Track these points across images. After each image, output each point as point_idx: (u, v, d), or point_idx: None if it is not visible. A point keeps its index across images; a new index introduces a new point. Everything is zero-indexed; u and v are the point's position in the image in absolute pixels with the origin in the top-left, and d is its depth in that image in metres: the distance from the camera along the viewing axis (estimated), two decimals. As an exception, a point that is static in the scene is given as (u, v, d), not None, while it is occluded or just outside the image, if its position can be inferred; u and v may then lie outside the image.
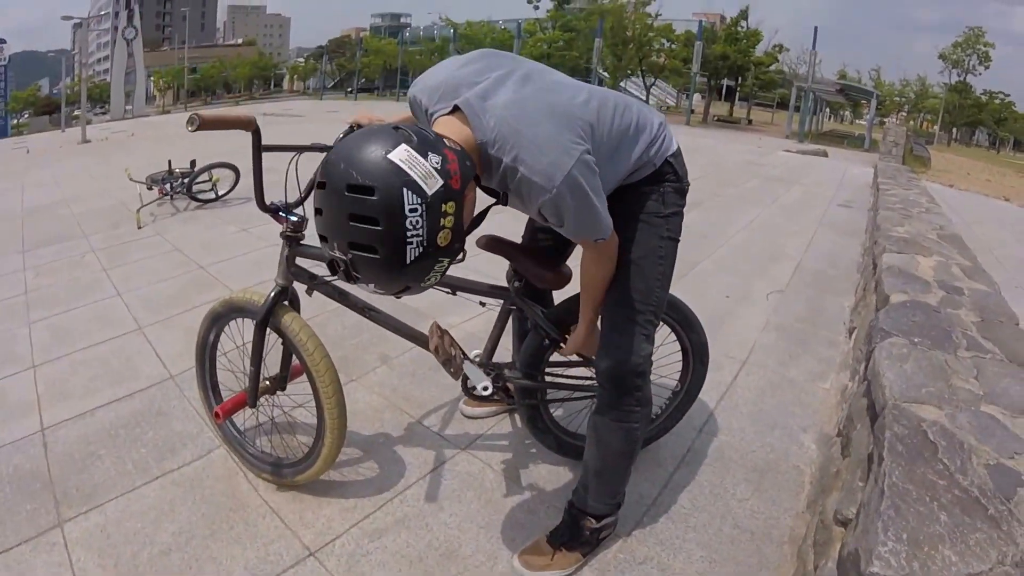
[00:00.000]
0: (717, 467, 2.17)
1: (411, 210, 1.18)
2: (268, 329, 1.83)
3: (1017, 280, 5.27)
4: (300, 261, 1.86)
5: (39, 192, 7.50)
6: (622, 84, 37.93)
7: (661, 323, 1.82)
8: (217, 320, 2.01)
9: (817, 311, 3.69)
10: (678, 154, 1.71)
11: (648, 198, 1.66)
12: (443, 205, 1.22)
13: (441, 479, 2.07)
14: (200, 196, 6.04)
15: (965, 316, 2.21)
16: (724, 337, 3.18)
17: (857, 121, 65.95)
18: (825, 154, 16.81)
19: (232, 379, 2.14)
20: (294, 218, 1.83)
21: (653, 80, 39.34)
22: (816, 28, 27.56)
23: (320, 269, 1.76)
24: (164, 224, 5.34)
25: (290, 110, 28.37)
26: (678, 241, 1.72)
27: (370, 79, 60.16)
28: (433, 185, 1.20)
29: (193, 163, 6.21)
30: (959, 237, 3.73)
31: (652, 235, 1.66)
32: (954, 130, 65.86)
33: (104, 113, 47.96)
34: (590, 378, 1.94)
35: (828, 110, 53.27)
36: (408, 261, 1.21)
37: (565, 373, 2.03)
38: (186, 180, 5.98)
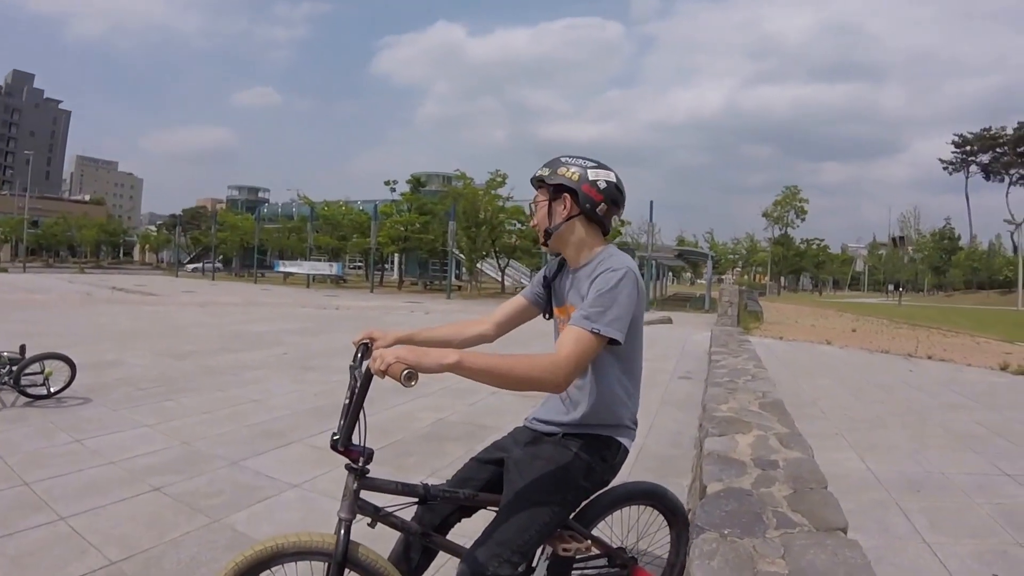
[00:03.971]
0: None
1: None
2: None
3: (838, 427, 5.85)
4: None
5: None
6: (478, 265, 39.45)
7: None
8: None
9: (660, 497, 3.87)
10: (626, 454, 2.15)
11: (579, 460, 2.02)
12: None
13: None
14: (30, 390, 5.52)
15: (777, 492, 2.40)
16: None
17: (698, 281, 72.23)
18: (670, 321, 18.17)
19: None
20: (367, 451, 1.84)
21: (507, 261, 41.03)
22: (652, 202, 30.93)
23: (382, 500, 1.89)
24: (-14, 422, 4.83)
25: (143, 286, 27.27)
26: (569, 515, 2.07)
27: (226, 256, 59.02)
28: None
29: (23, 348, 5.76)
30: (780, 403, 4.05)
31: (560, 488, 1.99)
32: (782, 279, 73.49)
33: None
34: None
35: (671, 274, 58.04)
36: None
37: None
38: (14, 369, 5.46)
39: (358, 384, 1.82)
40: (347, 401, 1.83)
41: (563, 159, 2.09)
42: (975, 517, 3.62)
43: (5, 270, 43.48)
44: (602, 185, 2.05)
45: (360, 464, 1.82)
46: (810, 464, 2.74)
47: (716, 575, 1.73)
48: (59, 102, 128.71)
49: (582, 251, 2.07)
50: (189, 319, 14.37)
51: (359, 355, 2.06)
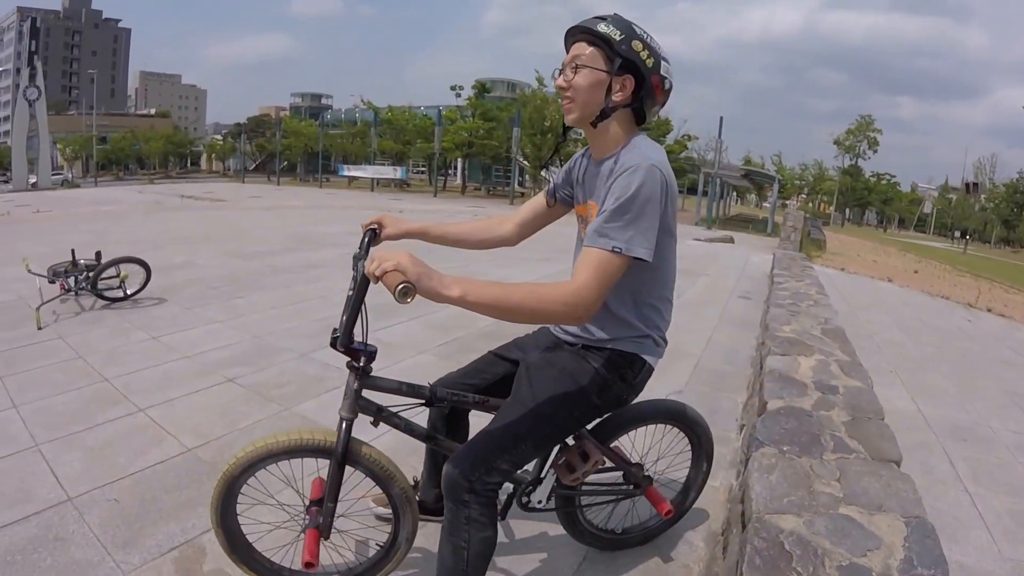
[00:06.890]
0: (611, 570, 2.27)
1: None
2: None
3: (892, 365, 5.72)
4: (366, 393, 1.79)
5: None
6: (542, 173, 39.36)
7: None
8: (244, 474, 1.83)
9: (713, 409, 3.83)
10: (650, 373, 1.91)
11: (596, 377, 1.81)
12: None
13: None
14: (107, 294, 5.74)
15: (836, 417, 2.40)
16: (625, 442, 3.31)
17: (764, 204, 70.35)
18: (731, 240, 17.78)
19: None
20: (369, 350, 1.77)
21: (565, 168, 41.20)
22: (721, 118, 29.70)
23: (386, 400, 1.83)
24: (67, 326, 5.05)
25: (211, 193, 27.92)
26: (571, 433, 1.92)
27: (291, 162, 59.84)
28: None
29: (99, 255, 5.92)
30: (841, 331, 4.00)
31: (567, 403, 1.78)
32: (847, 210, 70.94)
33: (5, 181, 45.25)
34: None
35: (735, 194, 56.59)
36: None
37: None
38: (91, 275, 5.65)
39: (358, 278, 1.68)
40: (350, 293, 1.71)
41: (636, 28, 1.65)
42: (1017, 476, 3.54)
43: (77, 186, 44.89)
44: (668, 85, 1.71)
45: (362, 363, 1.74)
46: (869, 394, 2.72)
47: (774, 489, 1.75)
48: (118, 21, 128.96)
49: (612, 142, 1.72)
50: (255, 222, 14.52)
51: (366, 240, 1.94)
